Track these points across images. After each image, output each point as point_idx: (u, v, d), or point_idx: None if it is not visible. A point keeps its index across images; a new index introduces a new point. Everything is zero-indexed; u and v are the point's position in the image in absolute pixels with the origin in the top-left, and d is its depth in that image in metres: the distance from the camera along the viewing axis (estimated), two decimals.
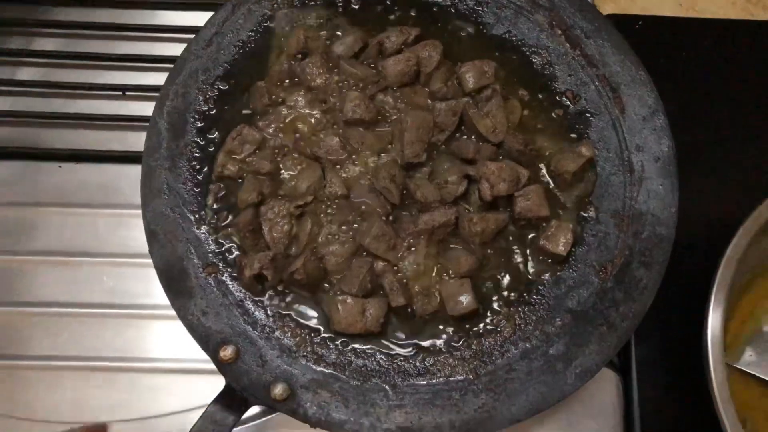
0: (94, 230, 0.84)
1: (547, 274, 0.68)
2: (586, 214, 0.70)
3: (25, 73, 0.92)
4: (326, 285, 0.67)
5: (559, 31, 0.76)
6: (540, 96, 0.74)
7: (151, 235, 0.68)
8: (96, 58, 0.91)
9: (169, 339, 0.80)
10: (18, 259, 0.83)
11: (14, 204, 0.85)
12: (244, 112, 0.74)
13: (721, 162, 0.85)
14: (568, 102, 0.74)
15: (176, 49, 0.78)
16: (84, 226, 0.84)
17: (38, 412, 0.76)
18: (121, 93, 0.90)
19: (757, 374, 0.71)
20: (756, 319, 0.74)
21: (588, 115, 0.73)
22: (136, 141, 0.82)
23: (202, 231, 0.69)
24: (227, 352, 0.64)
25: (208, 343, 0.65)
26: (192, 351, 0.71)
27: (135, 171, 0.72)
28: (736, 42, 0.91)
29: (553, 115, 0.73)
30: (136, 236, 0.79)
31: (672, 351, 0.78)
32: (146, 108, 0.79)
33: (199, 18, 0.84)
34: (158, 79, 0.79)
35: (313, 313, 0.67)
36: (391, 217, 0.68)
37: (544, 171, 0.71)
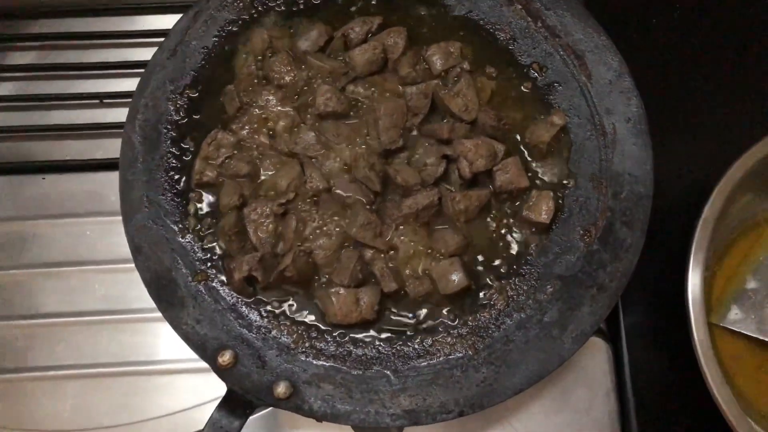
0: (83, 239, 0.84)
1: (534, 244, 0.68)
2: (564, 181, 0.70)
3: (2, 89, 0.91)
4: (318, 279, 0.67)
5: (519, 6, 0.76)
6: (508, 71, 0.74)
7: (135, 249, 0.68)
8: (71, 68, 0.90)
9: (164, 341, 0.80)
10: (9, 273, 0.83)
11: (1, 219, 0.85)
12: (217, 117, 0.73)
13: (695, 124, 0.86)
14: (536, 74, 0.74)
15: (151, 54, 0.76)
16: (72, 235, 0.84)
17: (40, 422, 0.76)
18: (98, 101, 0.89)
19: (742, 331, 0.73)
20: (740, 278, 0.75)
21: (556, 84, 0.73)
22: (118, 148, 0.79)
23: (187, 240, 0.69)
24: (225, 358, 0.64)
25: (205, 350, 0.64)
26: (188, 351, 0.71)
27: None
28: (705, 6, 0.92)
29: (522, 88, 0.73)
30: (125, 242, 0.78)
31: (659, 315, 0.79)
32: (125, 115, 0.78)
33: (173, 21, 0.81)
34: (135, 84, 0.77)
35: (307, 308, 0.67)
36: (375, 205, 0.68)
37: (519, 143, 0.71)
